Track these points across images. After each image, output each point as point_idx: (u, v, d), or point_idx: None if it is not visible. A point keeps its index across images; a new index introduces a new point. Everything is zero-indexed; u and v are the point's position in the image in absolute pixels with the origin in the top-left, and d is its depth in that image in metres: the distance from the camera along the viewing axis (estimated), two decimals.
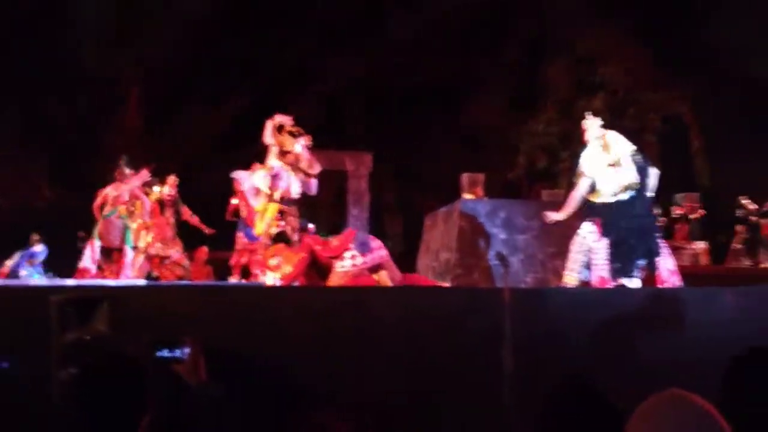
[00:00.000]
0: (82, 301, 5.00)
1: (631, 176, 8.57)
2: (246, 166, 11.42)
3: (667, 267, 8.50)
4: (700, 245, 14.90)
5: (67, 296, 4.99)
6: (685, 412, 1.57)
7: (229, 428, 5.02)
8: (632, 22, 19.24)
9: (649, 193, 8.67)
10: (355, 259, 8.28)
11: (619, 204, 8.58)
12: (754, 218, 14.93)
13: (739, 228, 15.08)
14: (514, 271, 10.13)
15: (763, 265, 14.33)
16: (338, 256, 8.24)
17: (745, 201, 15.00)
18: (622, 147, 8.78)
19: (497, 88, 20.96)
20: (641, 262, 8.42)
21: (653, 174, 8.67)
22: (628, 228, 8.45)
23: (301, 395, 5.75)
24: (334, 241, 8.55)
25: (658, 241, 8.62)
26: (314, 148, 15.90)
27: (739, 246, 15.09)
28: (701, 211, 15.12)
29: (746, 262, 14.73)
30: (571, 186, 9.47)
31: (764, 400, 2.21)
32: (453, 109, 20.64)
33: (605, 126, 9.03)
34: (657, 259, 8.45)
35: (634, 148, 8.79)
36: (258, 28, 20.03)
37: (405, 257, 16.30)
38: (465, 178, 11.86)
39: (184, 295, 6.64)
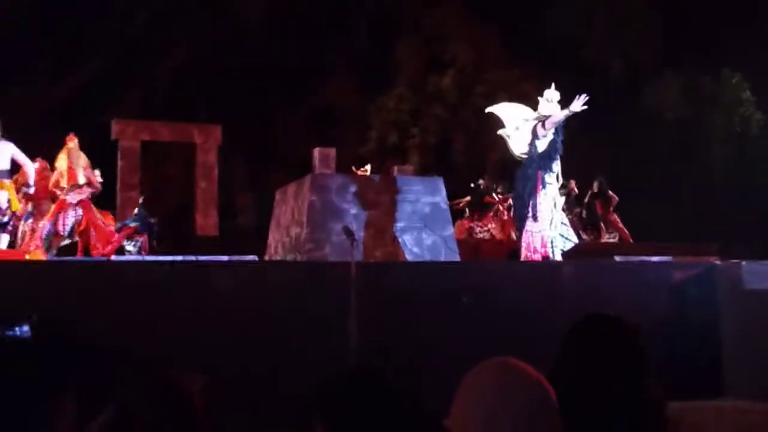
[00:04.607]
0: None
1: (524, 142, 8.92)
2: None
3: (535, 238, 8.52)
4: None
5: None
6: (510, 377, 1.59)
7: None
8: (478, 1, 19.70)
9: (548, 159, 8.72)
10: None
11: (519, 169, 9.02)
12: (587, 199, 15.63)
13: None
14: (365, 246, 10.19)
15: (603, 240, 15.04)
16: None
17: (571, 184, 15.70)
18: (516, 114, 9.10)
19: (349, 64, 20.98)
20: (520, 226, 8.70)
21: (543, 140, 8.74)
22: (516, 189, 8.94)
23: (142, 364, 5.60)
24: None
25: (527, 210, 8.61)
26: (162, 121, 15.47)
27: (573, 219, 15.79)
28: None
29: (584, 236, 15.42)
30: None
31: (591, 368, 2.26)
32: (305, 86, 20.52)
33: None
34: (525, 226, 8.57)
35: (533, 114, 8.98)
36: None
37: (256, 232, 16.13)
38: (316, 152, 11.80)
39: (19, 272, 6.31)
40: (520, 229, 8.74)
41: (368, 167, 12.79)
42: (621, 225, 15.07)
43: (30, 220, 10.69)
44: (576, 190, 15.33)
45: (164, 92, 20.03)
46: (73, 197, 10.12)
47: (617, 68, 18.94)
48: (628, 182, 16.03)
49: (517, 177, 8.95)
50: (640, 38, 18.87)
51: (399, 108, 20.49)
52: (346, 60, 20.93)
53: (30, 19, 18.22)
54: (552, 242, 8.44)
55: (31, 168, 9.64)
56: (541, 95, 9.14)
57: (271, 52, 20.15)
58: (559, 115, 8.60)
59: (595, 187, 15.32)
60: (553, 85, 9.05)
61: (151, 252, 12.16)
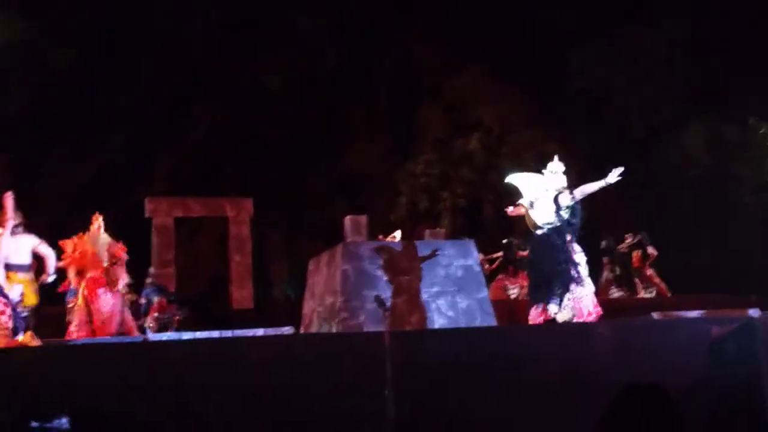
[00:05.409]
0: None
1: (547, 212, 8.77)
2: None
3: (586, 301, 8.55)
4: None
5: None
6: None
7: None
8: (500, 64, 19.93)
9: (568, 225, 8.74)
10: None
11: (538, 237, 8.88)
12: (623, 249, 15.52)
13: (604, 260, 15.61)
14: (399, 312, 10.17)
15: (640, 296, 14.88)
16: None
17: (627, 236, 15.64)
18: (535, 185, 9.02)
19: (374, 132, 21.23)
20: (560, 294, 8.51)
21: (569, 205, 8.75)
22: (545, 260, 8.69)
23: None
24: None
25: (574, 274, 8.58)
26: (193, 195, 15.68)
27: (610, 276, 15.65)
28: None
29: (617, 293, 15.27)
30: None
31: None
32: (332, 154, 20.77)
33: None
34: (572, 292, 8.51)
35: (552, 184, 8.89)
36: (123, 77, 19.61)
37: (291, 302, 16.19)
38: (348, 220, 11.89)
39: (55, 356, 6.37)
40: (559, 298, 8.55)
41: (398, 233, 12.84)
42: (657, 279, 14.94)
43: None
44: (630, 239, 15.34)
45: (191, 166, 20.35)
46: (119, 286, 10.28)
47: (638, 126, 19.04)
48: (661, 236, 15.92)
49: (551, 246, 8.71)
50: (662, 92, 18.96)
51: (427, 173, 20.64)
52: (372, 125, 21.20)
53: (52, 101, 18.66)
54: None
55: (52, 259, 9.63)
56: (561, 155, 9.21)
57: (295, 120, 20.48)
58: (593, 186, 8.65)
59: (636, 239, 15.30)
60: (556, 157, 9.07)
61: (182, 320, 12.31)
